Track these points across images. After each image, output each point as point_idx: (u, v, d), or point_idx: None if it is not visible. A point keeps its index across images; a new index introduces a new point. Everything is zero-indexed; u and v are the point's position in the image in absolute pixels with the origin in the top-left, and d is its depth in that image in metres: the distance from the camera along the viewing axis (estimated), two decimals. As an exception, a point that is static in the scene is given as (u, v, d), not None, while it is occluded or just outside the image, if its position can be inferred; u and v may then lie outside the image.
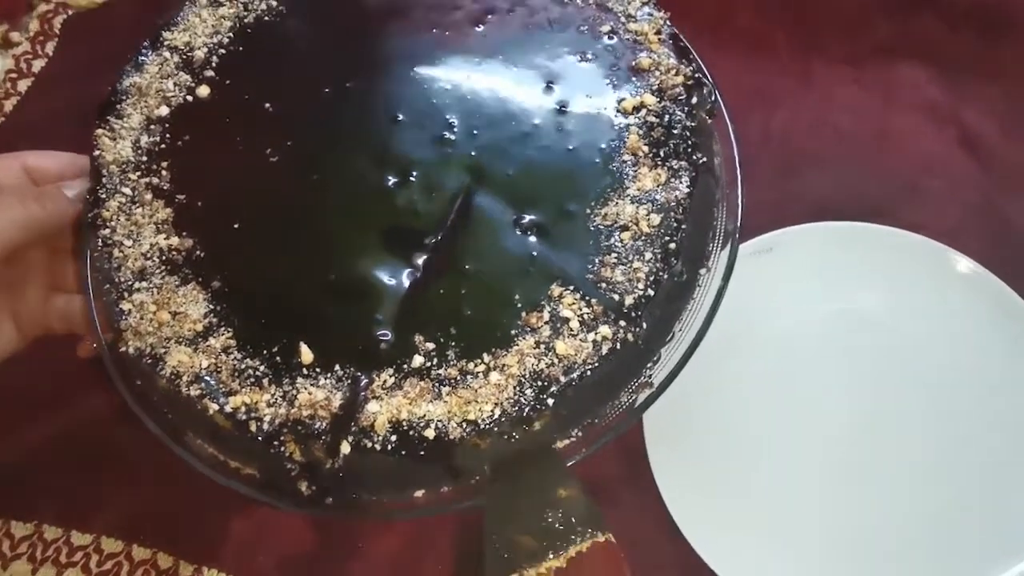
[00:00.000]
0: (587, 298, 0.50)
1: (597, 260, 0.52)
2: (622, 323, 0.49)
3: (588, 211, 0.53)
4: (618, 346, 0.49)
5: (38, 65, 0.85)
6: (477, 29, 0.61)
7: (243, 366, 0.51)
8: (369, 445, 0.48)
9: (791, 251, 0.68)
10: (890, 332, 0.67)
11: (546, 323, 0.50)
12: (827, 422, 0.65)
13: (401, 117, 0.58)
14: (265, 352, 0.51)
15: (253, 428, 0.49)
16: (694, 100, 0.57)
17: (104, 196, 0.56)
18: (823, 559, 0.61)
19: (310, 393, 0.49)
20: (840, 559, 0.62)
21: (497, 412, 0.48)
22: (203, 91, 0.61)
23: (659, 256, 0.51)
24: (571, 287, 0.51)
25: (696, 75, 0.58)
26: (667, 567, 0.61)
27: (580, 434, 0.53)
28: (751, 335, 0.68)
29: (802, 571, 0.61)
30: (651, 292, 0.50)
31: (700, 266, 0.56)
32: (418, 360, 0.50)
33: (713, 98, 0.59)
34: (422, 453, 0.48)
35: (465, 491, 0.52)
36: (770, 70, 0.81)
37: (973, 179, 0.75)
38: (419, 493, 0.52)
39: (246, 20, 0.64)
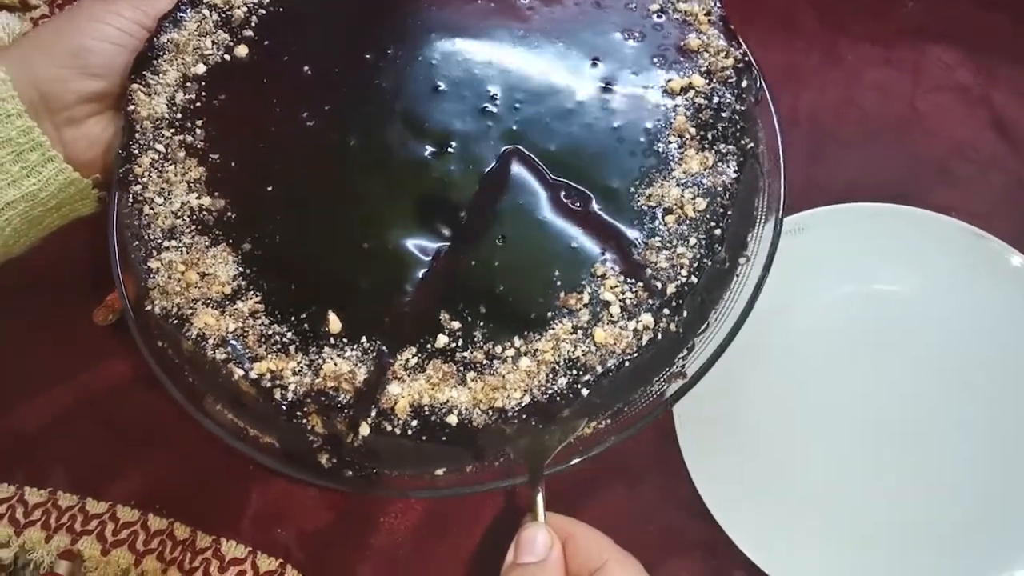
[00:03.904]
0: (631, 281, 0.49)
1: (642, 242, 0.50)
2: (665, 311, 0.48)
3: (632, 190, 0.52)
4: (659, 336, 0.47)
5: (55, 28, 0.84)
6: (523, 1, 0.60)
7: (270, 332, 0.50)
8: (389, 428, 0.46)
9: (821, 232, 0.67)
10: (920, 314, 0.66)
11: (585, 306, 0.48)
12: (856, 402, 0.64)
13: (442, 86, 0.57)
14: (293, 319, 0.50)
15: (278, 396, 0.48)
16: (744, 84, 0.55)
17: (137, 152, 0.55)
18: (850, 539, 0.60)
19: (335, 364, 0.48)
20: (867, 539, 0.60)
21: (527, 400, 0.46)
22: (241, 51, 0.59)
23: (704, 242, 0.50)
24: (616, 268, 0.49)
25: (745, 58, 0.56)
26: (694, 546, 0.61)
27: (609, 421, 0.52)
28: (780, 315, 0.66)
29: (829, 551, 0.60)
30: (694, 280, 0.49)
31: (739, 254, 0.55)
32: (442, 340, 0.49)
33: (758, 84, 0.58)
34: (444, 439, 0.46)
35: (489, 471, 0.51)
36: (798, 49, 0.80)
37: (1004, 162, 0.74)
38: (440, 471, 0.51)
39: (288, -21, 0.62)
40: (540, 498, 0.49)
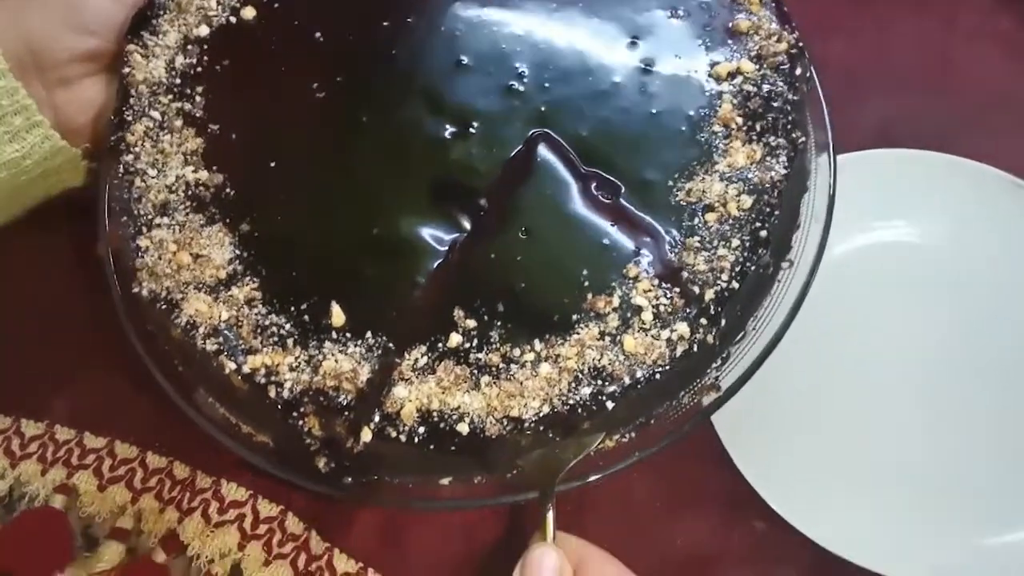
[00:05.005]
0: (666, 286, 0.45)
1: (680, 241, 0.46)
2: (702, 321, 0.44)
3: (670, 183, 0.48)
4: (694, 348, 0.43)
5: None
6: (557, -30, 0.55)
7: (267, 322, 0.46)
8: (393, 435, 0.43)
9: (851, 177, 0.62)
10: (952, 264, 0.63)
11: (615, 310, 0.44)
12: (883, 351, 0.62)
13: (465, 61, 0.53)
14: (292, 309, 0.46)
15: (272, 394, 0.44)
16: (797, 71, 0.51)
17: (130, 118, 0.52)
18: (874, 490, 0.58)
19: (336, 361, 0.44)
20: (893, 490, 0.58)
21: (546, 409, 0.42)
22: (248, 12, 0.56)
23: (747, 244, 0.46)
24: (650, 270, 0.45)
25: (799, 44, 0.52)
26: (714, 497, 0.58)
27: (633, 435, 0.48)
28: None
29: (854, 501, 0.57)
30: (735, 285, 0.45)
31: (782, 258, 0.51)
32: (455, 339, 0.45)
33: (808, 74, 0.53)
34: (452, 448, 0.43)
35: (498, 483, 0.47)
36: (827, -3, 0.77)
37: (1046, 112, 0.71)
38: (446, 481, 0.48)
39: (302, -64, 0.58)
40: (551, 516, 0.45)
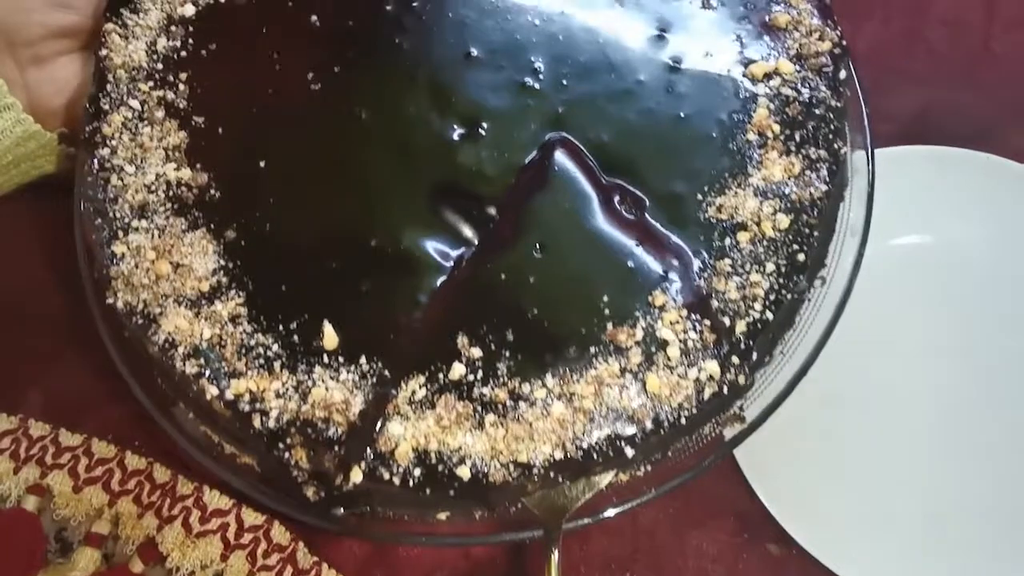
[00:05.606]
0: (695, 317, 0.41)
1: (709, 264, 0.42)
2: (733, 359, 0.40)
3: (700, 197, 0.45)
4: (725, 390, 0.40)
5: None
6: (579, -47, 0.51)
7: (252, 342, 0.43)
8: (386, 476, 0.39)
9: (881, 175, 0.59)
10: (987, 268, 0.61)
11: (638, 344, 0.41)
12: (912, 367, 0.59)
13: (475, 53, 0.50)
14: (281, 328, 0.43)
15: (257, 423, 0.41)
16: (841, 74, 0.47)
17: (107, 107, 0.49)
18: (895, 515, 0.55)
19: (327, 389, 0.41)
20: (915, 516, 0.55)
21: (558, 455, 0.39)
22: (238, -9, 0.52)
23: (783, 269, 0.42)
24: (678, 299, 0.42)
25: (843, 42, 0.48)
26: (726, 516, 0.56)
27: (649, 468, 0.44)
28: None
29: (873, 526, 0.55)
30: (768, 316, 0.41)
31: (815, 276, 0.47)
32: (458, 370, 0.41)
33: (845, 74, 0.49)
34: (452, 493, 0.39)
35: (500, 519, 0.44)
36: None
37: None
38: (444, 516, 0.44)
39: (297, -91, 0.54)
40: (555, 558, 0.42)
